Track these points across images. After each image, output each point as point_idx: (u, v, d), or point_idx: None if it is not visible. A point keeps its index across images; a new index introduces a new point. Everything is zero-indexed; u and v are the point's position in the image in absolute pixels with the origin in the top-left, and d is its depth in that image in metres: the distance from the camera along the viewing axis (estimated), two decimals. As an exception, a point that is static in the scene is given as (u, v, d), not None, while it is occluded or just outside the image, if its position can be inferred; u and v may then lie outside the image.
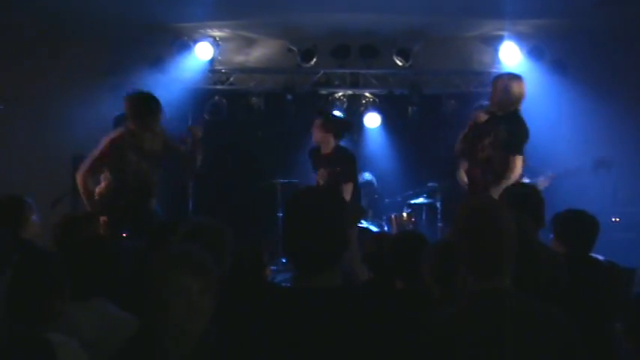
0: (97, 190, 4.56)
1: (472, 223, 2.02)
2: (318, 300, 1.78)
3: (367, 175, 7.06)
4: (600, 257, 3.13)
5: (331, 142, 5.47)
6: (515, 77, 4.48)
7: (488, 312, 1.90)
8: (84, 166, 4.50)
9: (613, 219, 6.32)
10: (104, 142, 4.52)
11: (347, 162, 5.45)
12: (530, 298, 1.97)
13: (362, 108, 7.65)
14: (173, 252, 1.95)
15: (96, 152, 4.50)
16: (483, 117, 4.45)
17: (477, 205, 2.10)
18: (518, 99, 4.40)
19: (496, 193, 3.91)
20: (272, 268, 5.61)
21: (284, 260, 6.28)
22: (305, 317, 1.76)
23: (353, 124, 5.79)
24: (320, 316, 1.75)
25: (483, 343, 1.87)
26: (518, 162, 4.27)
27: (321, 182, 5.47)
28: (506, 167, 4.25)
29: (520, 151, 4.32)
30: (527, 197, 3.14)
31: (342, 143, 5.64)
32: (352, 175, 5.44)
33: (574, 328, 1.92)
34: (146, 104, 4.57)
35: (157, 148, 4.68)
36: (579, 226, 3.11)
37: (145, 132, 4.55)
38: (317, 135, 5.48)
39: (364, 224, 6.43)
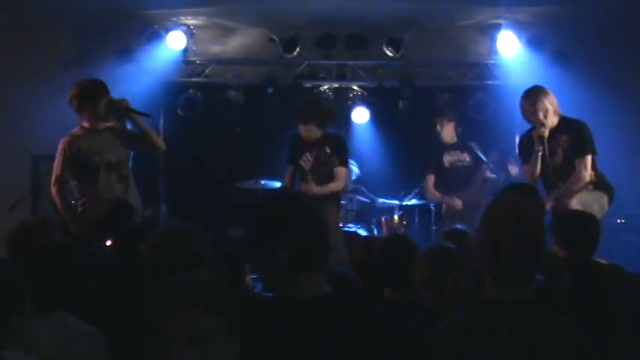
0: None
1: (505, 223, 1.93)
2: (305, 310, 1.79)
3: (355, 169, 7.00)
4: (604, 261, 3.16)
5: (317, 132, 5.34)
6: (541, 92, 4.65)
7: (508, 324, 1.87)
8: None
9: (618, 220, 6.39)
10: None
11: (340, 144, 5.39)
12: (551, 310, 1.95)
13: (349, 102, 7.65)
14: (178, 284, 1.63)
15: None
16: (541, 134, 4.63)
17: (513, 204, 2.00)
18: (557, 108, 4.67)
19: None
20: (253, 276, 5.58)
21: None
22: (291, 329, 1.77)
23: (336, 115, 5.72)
24: (307, 327, 1.76)
25: (499, 357, 1.85)
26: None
27: (305, 167, 5.28)
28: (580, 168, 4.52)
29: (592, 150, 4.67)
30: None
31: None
32: (345, 159, 5.37)
33: (592, 344, 1.90)
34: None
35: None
36: (581, 229, 3.14)
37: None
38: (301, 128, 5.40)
39: (352, 228, 6.44)
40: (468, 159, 6.11)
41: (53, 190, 4.63)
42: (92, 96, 4.66)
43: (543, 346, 1.84)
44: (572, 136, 4.61)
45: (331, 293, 1.86)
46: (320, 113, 5.37)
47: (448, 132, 6.17)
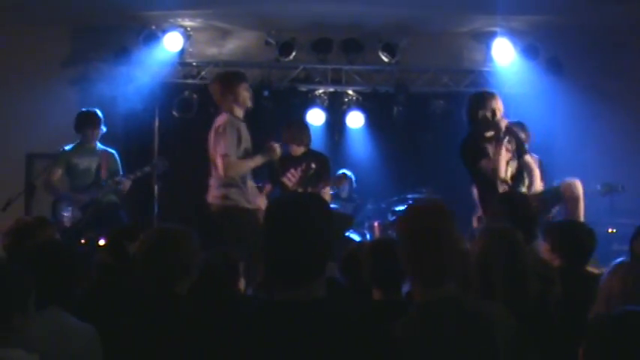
0: None
1: (411, 227, 2.09)
2: (301, 313, 1.79)
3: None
4: (596, 270, 3.18)
5: (300, 149, 5.57)
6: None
7: (437, 322, 1.99)
8: None
9: (609, 230, 6.42)
10: None
11: (324, 162, 5.49)
12: (474, 299, 2.08)
13: (344, 106, 7.66)
14: None
15: None
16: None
17: (417, 210, 2.19)
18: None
19: None
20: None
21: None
22: (286, 333, 1.77)
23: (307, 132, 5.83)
24: (303, 330, 1.77)
25: (435, 355, 1.95)
26: None
27: (291, 185, 5.39)
28: None
29: None
30: (517, 206, 3.18)
31: (324, 144, 5.69)
32: (328, 172, 5.48)
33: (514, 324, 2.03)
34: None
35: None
36: (575, 238, 3.15)
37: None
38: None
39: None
40: None
41: (225, 162, 4.62)
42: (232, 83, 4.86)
43: (471, 335, 1.98)
44: (516, 136, 4.84)
45: (321, 298, 1.85)
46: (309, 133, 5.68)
47: None
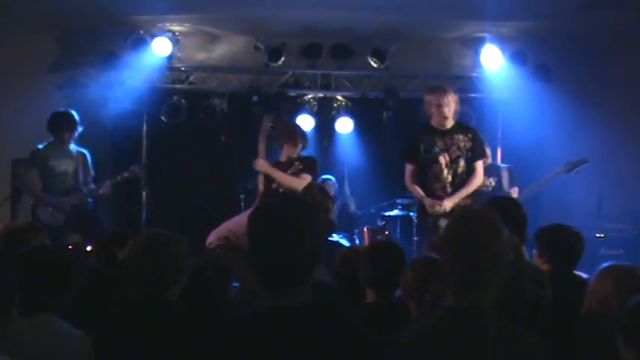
0: None
1: (452, 232, 2.06)
2: (291, 318, 1.80)
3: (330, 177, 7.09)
4: (584, 275, 3.21)
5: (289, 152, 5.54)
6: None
7: (461, 331, 1.92)
8: None
9: (597, 235, 6.48)
10: None
11: (310, 162, 5.50)
12: (511, 321, 1.99)
13: (333, 112, 7.69)
14: None
15: None
16: None
17: (460, 214, 2.13)
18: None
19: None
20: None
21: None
22: (278, 339, 1.78)
23: (298, 132, 5.80)
24: (294, 335, 1.78)
25: None
26: None
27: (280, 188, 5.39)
28: None
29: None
30: (508, 210, 3.21)
31: (313, 149, 5.68)
32: (314, 171, 5.48)
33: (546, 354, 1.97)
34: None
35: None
36: (563, 243, 3.18)
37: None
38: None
39: (334, 238, 6.45)
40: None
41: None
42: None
43: (497, 352, 1.89)
44: (469, 137, 5.06)
45: (312, 303, 1.86)
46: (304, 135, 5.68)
47: None
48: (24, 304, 2.11)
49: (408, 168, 5.22)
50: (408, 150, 5.22)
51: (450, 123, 5.10)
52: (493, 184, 6.12)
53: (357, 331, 1.85)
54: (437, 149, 5.08)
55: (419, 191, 5.12)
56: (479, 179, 5.10)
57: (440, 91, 5.14)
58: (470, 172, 5.08)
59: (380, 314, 2.76)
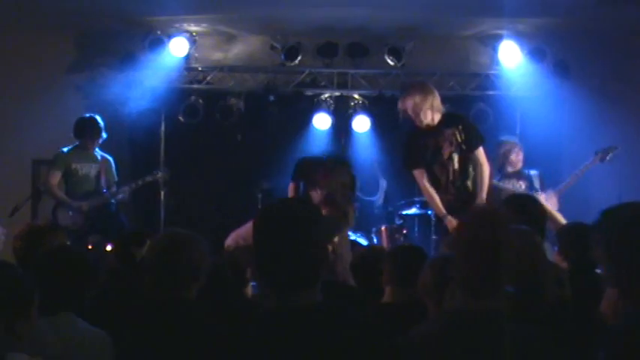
0: None
1: (466, 233, 2.04)
2: (297, 320, 1.80)
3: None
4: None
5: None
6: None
7: (472, 334, 1.90)
8: None
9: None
10: None
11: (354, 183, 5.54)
12: (527, 323, 1.96)
13: (350, 111, 7.68)
14: None
15: None
16: None
17: (475, 214, 2.12)
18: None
19: None
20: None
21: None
22: (284, 340, 1.78)
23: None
24: (300, 337, 1.78)
25: None
26: None
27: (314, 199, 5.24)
28: None
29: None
30: (526, 207, 3.18)
31: (330, 147, 5.64)
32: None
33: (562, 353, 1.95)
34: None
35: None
36: (584, 241, 3.15)
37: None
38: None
39: (352, 236, 6.44)
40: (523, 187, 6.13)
41: None
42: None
43: (510, 356, 1.86)
44: (460, 128, 4.82)
45: (320, 303, 1.86)
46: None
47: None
48: (44, 304, 2.13)
49: (418, 174, 4.95)
50: (410, 157, 5.01)
51: (434, 120, 4.85)
52: (523, 187, 6.08)
53: (366, 331, 1.83)
54: (429, 152, 4.89)
55: (440, 207, 4.86)
56: (485, 169, 4.86)
57: (406, 98, 4.87)
58: (467, 165, 4.85)
59: (398, 313, 2.75)
